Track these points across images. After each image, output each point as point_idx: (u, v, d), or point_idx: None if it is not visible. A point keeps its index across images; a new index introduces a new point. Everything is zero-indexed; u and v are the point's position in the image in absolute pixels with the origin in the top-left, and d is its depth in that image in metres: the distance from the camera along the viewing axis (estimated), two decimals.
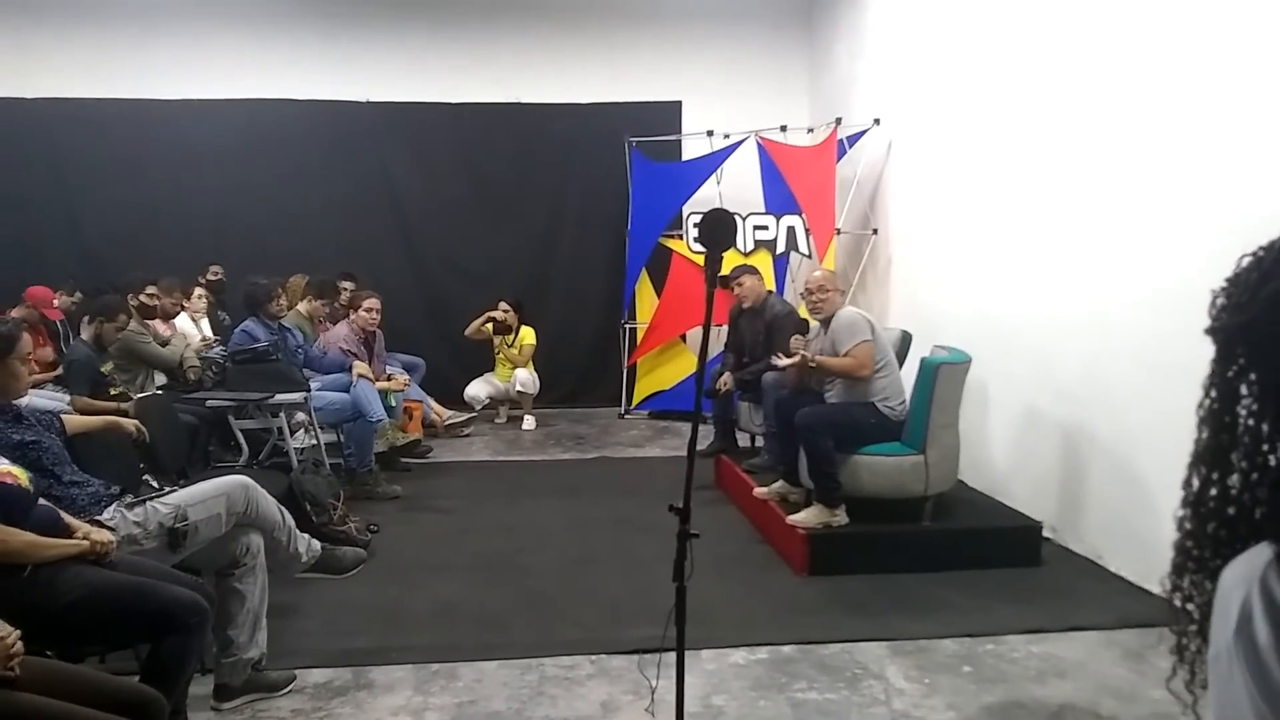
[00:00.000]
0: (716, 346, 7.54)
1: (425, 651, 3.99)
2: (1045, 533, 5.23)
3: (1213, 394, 1.01)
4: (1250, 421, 0.98)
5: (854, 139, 8.39)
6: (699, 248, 8.45)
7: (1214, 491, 1.01)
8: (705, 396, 6.40)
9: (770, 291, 7.04)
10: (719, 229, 2.70)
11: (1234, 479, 0.99)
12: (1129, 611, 4.36)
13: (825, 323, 5.28)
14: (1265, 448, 0.96)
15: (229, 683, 3.52)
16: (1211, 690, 0.94)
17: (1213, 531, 1.01)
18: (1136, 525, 4.72)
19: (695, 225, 8.73)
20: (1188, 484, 1.04)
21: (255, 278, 6.89)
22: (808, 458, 5.05)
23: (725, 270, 6.81)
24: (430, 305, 9.96)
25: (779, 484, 5.55)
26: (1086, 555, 5.12)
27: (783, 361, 5.24)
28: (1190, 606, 1.04)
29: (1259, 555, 0.92)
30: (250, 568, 3.58)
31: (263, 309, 6.68)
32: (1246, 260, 1.00)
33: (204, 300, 8.28)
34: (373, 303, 7.15)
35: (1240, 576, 0.92)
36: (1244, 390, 0.99)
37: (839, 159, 8.37)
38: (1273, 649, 0.86)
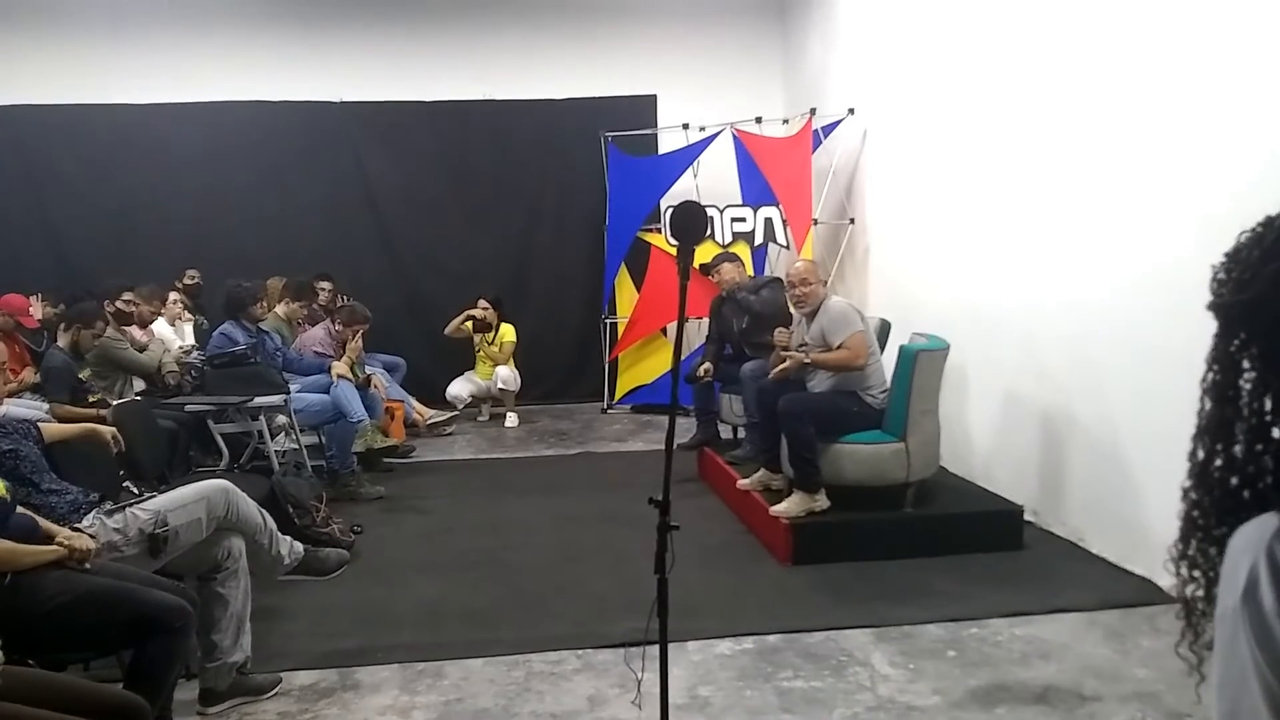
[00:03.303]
0: (694, 339, 7.56)
1: (411, 651, 3.99)
2: (1027, 516, 5.26)
3: (1215, 368, 1.04)
4: (1252, 394, 1.01)
5: (829, 129, 8.40)
6: (674, 241, 8.43)
7: (1219, 462, 1.03)
8: (685, 382, 6.45)
9: (750, 278, 7.06)
10: (689, 221, 2.71)
11: (1238, 449, 1.01)
12: (1111, 593, 4.39)
13: (810, 314, 5.29)
14: (1269, 419, 0.99)
15: (214, 687, 3.50)
16: (1216, 650, 0.97)
17: (1217, 500, 1.04)
18: (1117, 507, 4.75)
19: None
20: (1193, 455, 1.06)
21: (238, 280, 6.86)
22: (789, 443, 5.07)
23: (706, 259, 6.84)
24: (410, 304, 9.92)
25: (760, 473, 5.56)
26: (1068, 538, 5.15)
27: (779, 367, 5.21)
28: (1196, 573, 1.07)
29: (1267, 523, 0.94)
30: (232, 571, 3.57)
31: (246, 312, 6.64)
32: (1246, 237, 1.02)
33: (179, 305, 8.22)
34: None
35: (1249, 542, 0.95)
36: (1246, 364, 1.01)
37: (814, 149, 8.38)
38: (1277, 614, 0.88)
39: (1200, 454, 1.05)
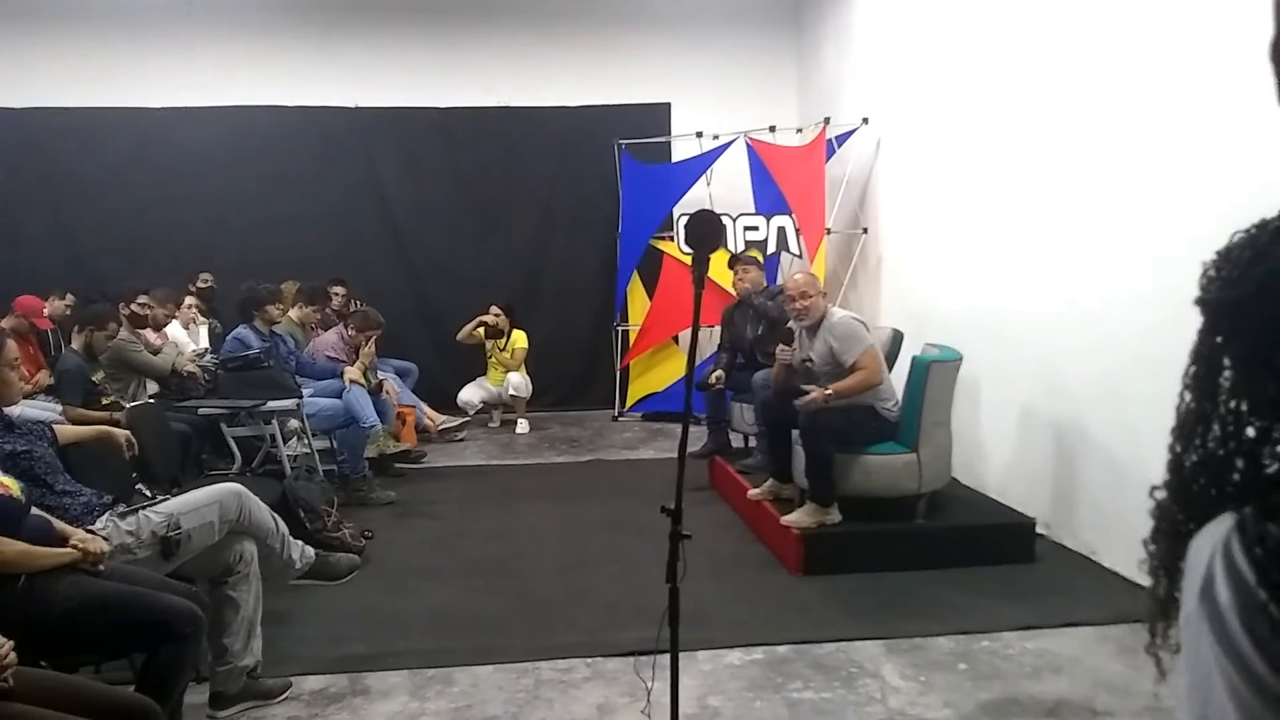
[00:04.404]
0: (707, 348, 7.55)
1: (421, 657, 3.99)
2: (1039, 529, 5.23)
3: (1197, 363, 1.04)
4: (1230, 393, 1.00)
5: (843, 138, 8.40)
6: (689, 249, 8.43)
7: (1194, 458, 1.03)
8: (696, 389, 6.43)
9: (766, 287, 7.04)
10: (706, 230, 2.71)
11: (1211, 446, 1.01)
12: (1124, 607, 4.36)
13: (810, 327, 5.26)
14: (1243, 419, 0.99)
15: (224, 691, 3.51)
16: (1183, 655, 0.97)
17: (1189, 497, 1.03)
18: (1130, 520, 4.71)
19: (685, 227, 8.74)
20: (1171, 449, 1.06)
21: (253, 281, 6.88)
22: (806, 459, 5.04)
23: (712, 272, 6.81)
24: (422, 310, 9.93)
25: (770, 483, 5.55)
26: (1080, 551, 5.13)
27: (806, 400, 5.02)
28: (1164, 570, 1.07)
29: (1223, 523, 0.95)
30: (244, 575, 3.57)
31: (262, 310, 6.65)
32: (1239, 236, 1.03)
33: (193, 309, 8.25)
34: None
35: (1206, 542, 0.95)
36: (1226, 362, 1.01)
37: (828, 159, 8.38)
38: (1233, 609, 0.89)
39: (1177, 448, 1.05)
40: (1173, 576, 1.05)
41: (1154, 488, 1.08)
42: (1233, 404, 1.00)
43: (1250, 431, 0.97)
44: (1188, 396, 1.05)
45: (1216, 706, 0.90)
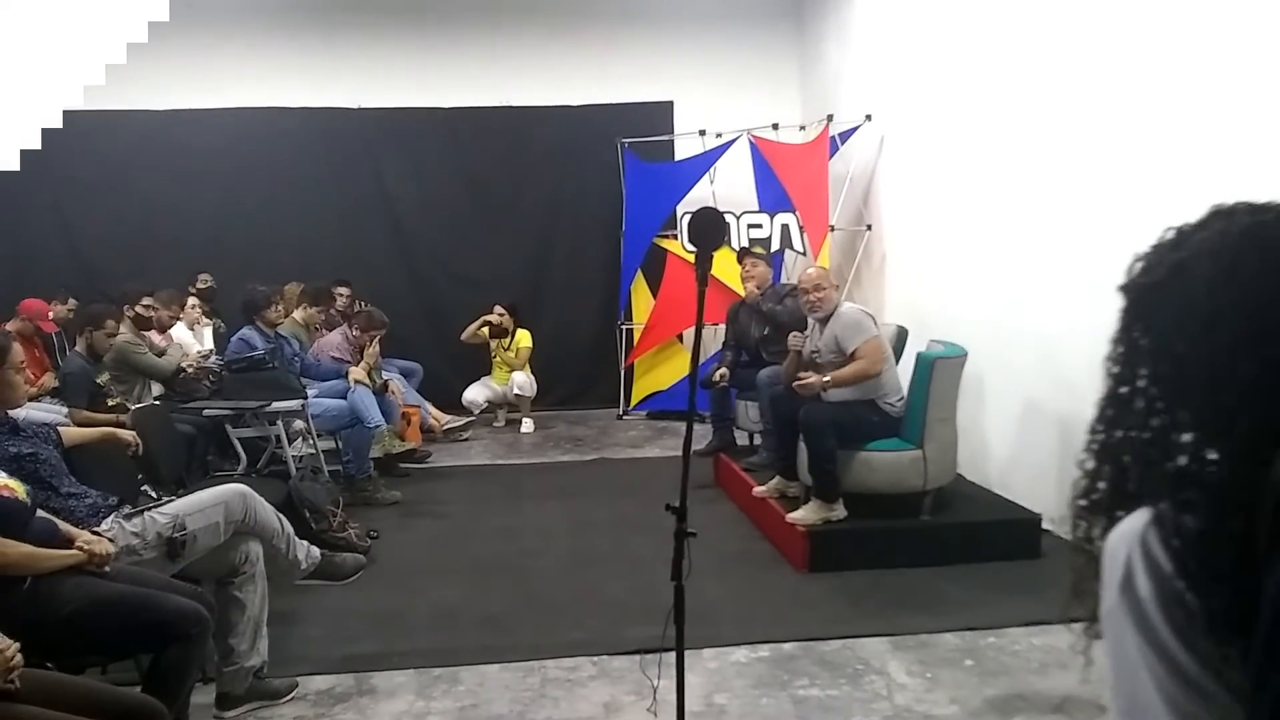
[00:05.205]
0: (711, 346, 7.54)
1: (427, 656, 3.99)
2: (1045, 525, 5.21)
3: (1119, 348, 1.07)
4: (1145, 379, 1.03)
5: (846, 135, 8.39)
6: (692, 247, 8.42)
7: (1118, 434, 1.06)
8: (701, 387, 6.43)
9: (772, 287, 7.03)
10: (708, 228, 2.71)
11: (1133, 432, 1.04)
12: None
13: (822, 320, 5.27)
14: (1158, 405, 1.01)
15: (231, 691, 3.52)
16: (1106, 649, 1.00)
17: (1111, 476, 1.06)
18: None
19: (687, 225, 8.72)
20: (1093, 429, 1.09)
21: (253, 284, 6.90)
22: (809, 455, 5.05)
23: (716, 270, 6.80)
24: (426, 311, 9.94)
25: (776, 480, 5.55)
26: None
27: (804, 383, 5.12)
28: (1088, 547, 1.10)
29: (1139, 518, 0.98)
30: (250, 576, 3.58)
31: (261, 315, 6.68)
32: (1171, 234, 1.05)
33: (197, 310, 8.26)
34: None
35: (1122, 538, 0.98)
36: (1144, 344, 1.04)
37: (831, 156, 8.37)
38: (1153, 600, 0.93)
39: (1100, 427, 1.07)
40: (1096, 554, 1.05)
41: (1082, 460, 1.08)
42: (1147, 390, 1.02)
43: (1157, 421, 1.00)
44: (1110, 380, 1.06)
45: (1143, 697, 0.93)
